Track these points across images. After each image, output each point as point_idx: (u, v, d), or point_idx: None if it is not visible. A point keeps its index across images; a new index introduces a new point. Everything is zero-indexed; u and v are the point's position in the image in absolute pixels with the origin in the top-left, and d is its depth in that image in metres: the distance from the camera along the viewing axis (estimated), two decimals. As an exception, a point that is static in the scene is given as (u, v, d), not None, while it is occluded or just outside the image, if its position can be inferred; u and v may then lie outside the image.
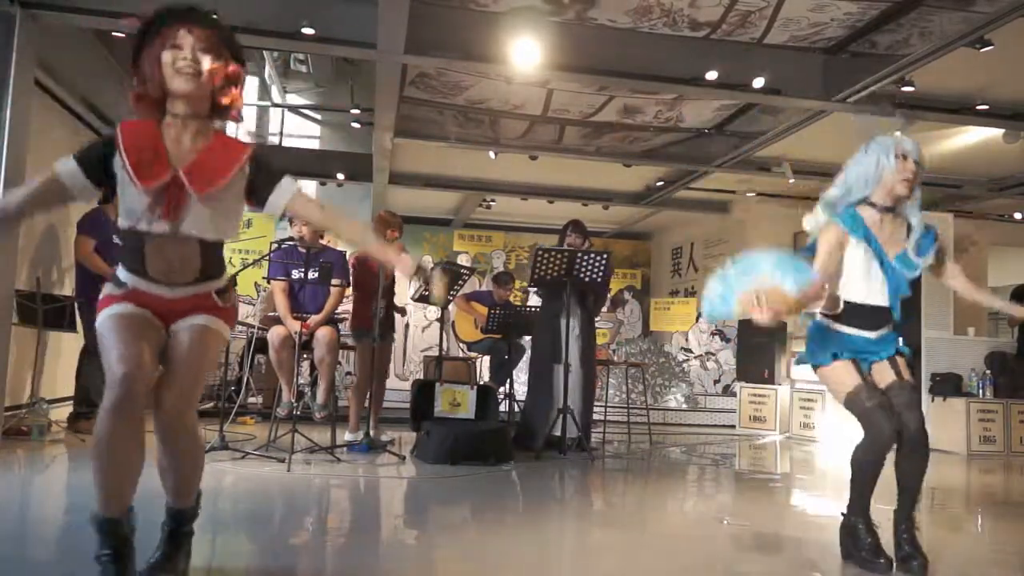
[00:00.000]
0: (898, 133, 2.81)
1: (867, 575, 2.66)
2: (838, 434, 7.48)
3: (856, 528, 2.77)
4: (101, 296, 2.14)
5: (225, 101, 2.12)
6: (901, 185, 2.69)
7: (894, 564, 2.67)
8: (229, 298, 2.22)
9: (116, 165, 2.06)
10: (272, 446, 4.82)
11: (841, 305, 2.83)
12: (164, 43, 2.03)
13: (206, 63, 2.04)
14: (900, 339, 2.89)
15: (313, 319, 4.93)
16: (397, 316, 5.96)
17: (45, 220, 5.96)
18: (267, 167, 2.17)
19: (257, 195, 2.17)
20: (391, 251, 2.30)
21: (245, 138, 10.58)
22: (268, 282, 5.39)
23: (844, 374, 2.75)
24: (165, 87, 2.05)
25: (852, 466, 2.80)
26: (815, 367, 2.88)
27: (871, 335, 2.80)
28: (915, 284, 2.86)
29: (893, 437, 2.65)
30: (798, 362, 2.98)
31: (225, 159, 2.11)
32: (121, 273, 2.13)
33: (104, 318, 2.06)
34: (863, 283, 2.77)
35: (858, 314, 2.79)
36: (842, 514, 2.86)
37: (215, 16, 2.15)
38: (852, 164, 2.79)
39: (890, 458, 2.74)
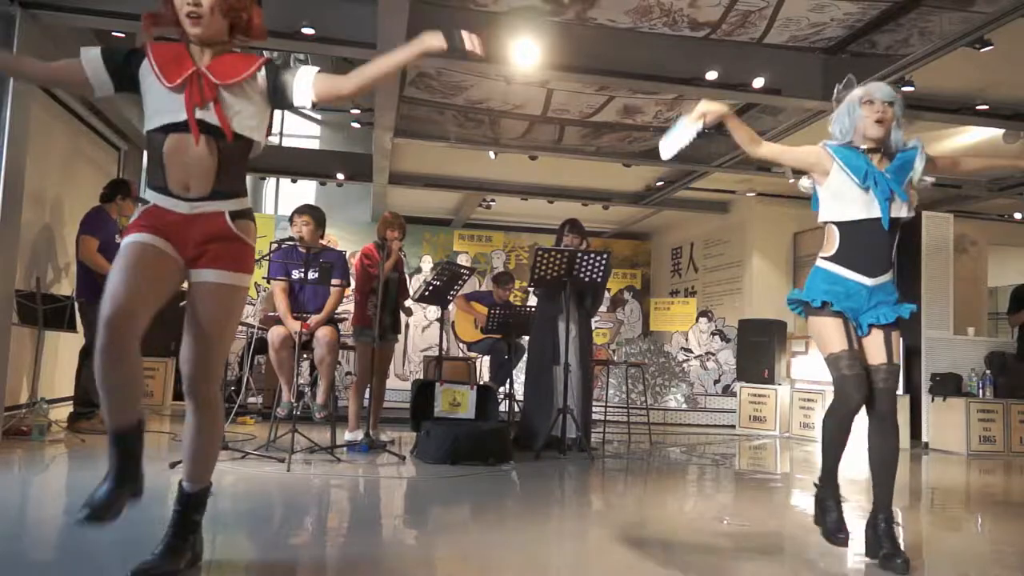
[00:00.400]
0: (866, 84, 2.99)
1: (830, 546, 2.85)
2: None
3: (825, 501, 2.89)
4: (130, 221, 2.28)
5: (239, 23, 2.29)
6: (873, 127, 2.83)
7: (849, 540, 2.81)
8: (246, 227, 2.28)
9: (143, 71, 2.22)
10: (272, 446, 4.82)
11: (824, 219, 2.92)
12: None
13: (206, 1, 2.18)
14: (895, 295, 2.87)
15: (313, 319, 4.93)
16: (403, 316, 5.96)
17: (44, 220, 5.96)
18: (282, 67, 2.31)
19: (280, 92, 2.28)
20: (417, 43, 2.36)
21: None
22: (268, 282, 5.39)
23: (834, 333, 2.79)
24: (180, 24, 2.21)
25: (822, 432, 2.92)
26: (807, 309, 2.88)
27: (868, 281, 2.80)
28: (906, 287, 2.90)
29: (859, 407, 2.75)
30: (789, 300, 2.99)
31: (243, 63, 2.27)
32: (148, 193, 2.28)
33: (122, 245, 2.18)
34: (856, 197, 2.81)
35: (855, 242, 2.82)
36: (815, 484, 3.00)
37: None
38: (832, 122, 3.00)
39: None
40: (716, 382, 9.52)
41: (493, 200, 10.15)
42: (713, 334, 9.66)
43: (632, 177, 9.15)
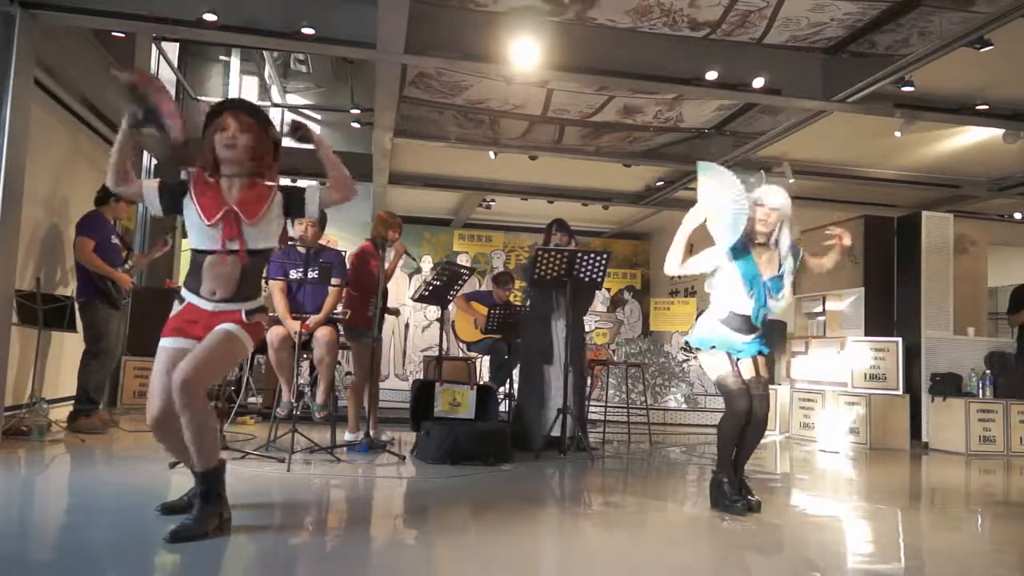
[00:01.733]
0: (761, 186, 3.69)
1: (731, 516, 3.55)
2: (835, 434, 7.49)
3: (722, 482, 3.72)
4: (171, 315, 3.00)
5: (264, 165, 3.00)
6: (759, 224, 3.65)
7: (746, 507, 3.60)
8: (256, 316, 2.96)
9: (186, 201, 2.93)
10: (272, 446, 4.81)
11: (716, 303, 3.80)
12: (215, 129, 2.91)
13: (242, 141, 2.89)
14: (762, 342, 3.80)
15: (312, 319, 4.92)
16: (391, 317, 5.95)
17: (45, 220, 5.96)
18: (292, 189, 3.04)
19: (295, 209, 3.03)
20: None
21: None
22: (267, 282, 5.39)
23: (719, 361, 3.73)
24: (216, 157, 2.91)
25: (718, 433, 3.79)
26: (698, 349, 3.81)
27: (745, 338, 3.73)
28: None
29: (746, 413, 3.64)
30: (686, 340, 4.01)
31: (262, 195, 2.95)
32: (184, 292, 2.98)
33: (160, 346, 2.91)
34: (741, 296, 3.66)
35: (736, 320, 3.71)
36: (712, 471, 3.84)
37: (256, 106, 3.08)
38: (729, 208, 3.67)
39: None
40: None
41: (493, 200, 10.15)
42: (713, 334, 9.65)
43: (632, 177, 9.14)
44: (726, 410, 3.72)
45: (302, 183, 3.08)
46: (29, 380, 5.40)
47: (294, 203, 3.00)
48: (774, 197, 3.66)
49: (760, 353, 3.78)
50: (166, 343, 2.90)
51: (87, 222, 5.51)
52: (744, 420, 3.65)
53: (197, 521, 2.74)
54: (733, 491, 3.68)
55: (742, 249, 3.66)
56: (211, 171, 2.93)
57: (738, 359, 3.74)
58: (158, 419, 2.81)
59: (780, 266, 3.71)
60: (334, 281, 5.02)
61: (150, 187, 2.98)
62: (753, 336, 3.74)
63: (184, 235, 9.11)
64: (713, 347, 3.73)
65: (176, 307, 3.00)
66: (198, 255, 2.91)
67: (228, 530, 2.83)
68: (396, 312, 6.27)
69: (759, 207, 3.64)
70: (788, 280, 3.71)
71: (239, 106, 3.00)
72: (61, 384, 6.11)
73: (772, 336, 3.98)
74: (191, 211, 2.89)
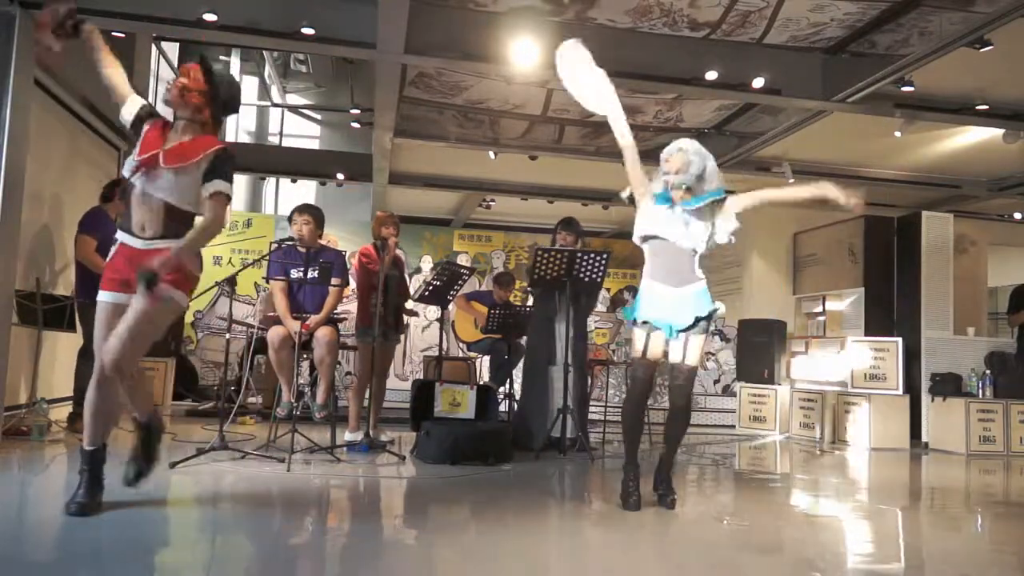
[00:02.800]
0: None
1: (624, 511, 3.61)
2: (837, 434, 7.49)
3: (626, 476, 3.74)
4: (108, 258, 3.10)
5: (206, 116, 3.18)
6: (671, 176, 3.57)
7: (640, 502, 3.64)
8: (189, 261, 2.99)
9: (142, 131, 3.14)
10: (272, 446, 4.81)
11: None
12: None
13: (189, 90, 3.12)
14: (705, 301, 3.63)
15: (313, 319, 4.92)
16: (405, 317, 5.95)
17: (45, 220, 5.96)
18: (222, 164, 3.09)
19: (205, 178, 3.05)
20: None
21: (245, 138, 10.60)
22: (267, 282, 5.38)
23: (637, 340, 3.63)
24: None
25: (622, 420, 3.81)
26: (633, 323, 3.69)
27: (674, 291, 3.59)
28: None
29: (643, 398, 3.71)
30: (626, 315, 3.90)
31: (197, 148, 3.07)
32: (118, 233, 3.10)
33: (98, 304, 3.03)
34: (657, 215, 3.61)
35: (659, 262, 3.65)
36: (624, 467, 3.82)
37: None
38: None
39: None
40: (716, 382, 9.52)
41: (493, 200, 10.15)
42: (713, 334, 9.65)
43: (632, 177, 9.13)
44: (626, 395, 3.80)
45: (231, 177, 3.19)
46: (29, 380, 5.40)
47: (207, 173, 3.05)
48: (672, 145, 3.63)
49: (692, 328, 3.57)
50: (104, 297, 3.02)
51: (89, 220, 5.50)
52: (639, 404, 3.70)
53: (149, 462, 3.18)
54: (635, 486, 3.70)
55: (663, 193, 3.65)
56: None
57: (673, 333, 3.56)
58: (99, 379, 2.97)
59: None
60: (334, 281, 5.02)
61: (135, 100, 3.20)
62: (687, 286, 3.61)
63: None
64: (645, 322, 3.59)
65: (112, 250, 3.11)
66: (130, 188, 3.09)
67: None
68: (415, 313, 6.25)
69: (664, 161, 3.61)
70: (703, 201, 3.59)
71: (200, 63, 3.17)
72: (61, 384, 6.10)
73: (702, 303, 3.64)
74: (140, 137, 3.11)
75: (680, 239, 3.57)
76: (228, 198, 3.07)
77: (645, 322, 3.59)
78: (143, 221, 3.02)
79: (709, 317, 3.61)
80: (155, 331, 3.02)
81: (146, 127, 3.13)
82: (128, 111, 3.17)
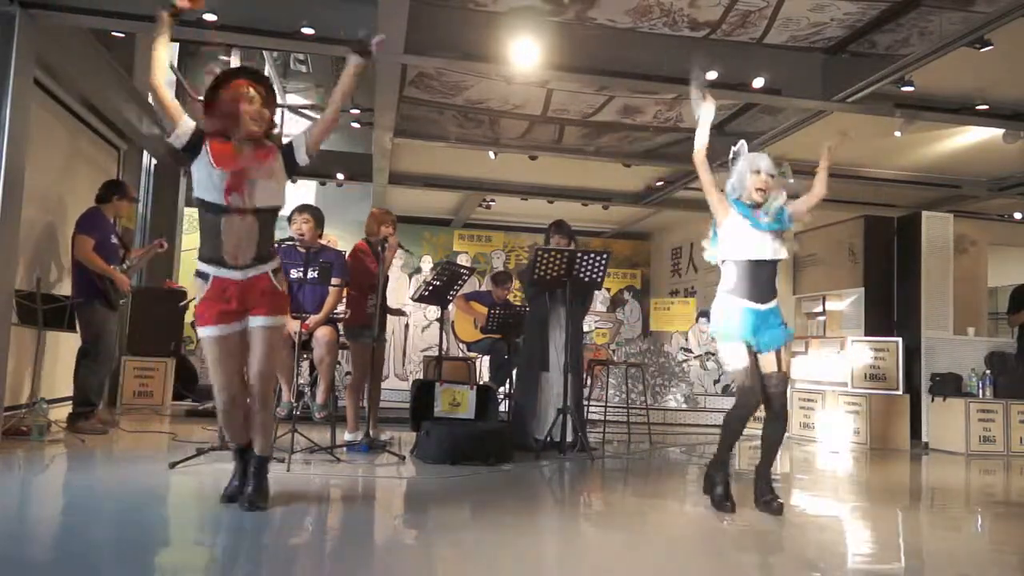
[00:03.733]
0: (746, 151, 3.76)
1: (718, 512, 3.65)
2: (837, 434, 7.49)
3: (714, 477, 3.79)
4: (197, 301, 3.11)
5: (272, 130, 3.25)
6: (756, 193, 3.67)
7: (735, 507, 3.66)
8: (281, 279, 3.20)
9: (202, 152, 3.08)
10: (272, 446, 4.80)
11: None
12: (238, 93, 3.09)
13: (266, 113, 3.15)
14: (782, 324, 3.72)
15: (312, 319, 4.92)
16: (395, 318, 5.94)
17: (44, 220, 5.96)
18: (286, 146, 3.24)
19: (292, 165, 3.21)
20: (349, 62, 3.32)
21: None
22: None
23: (737, 359, 3.66)
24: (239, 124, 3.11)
25: (723, 427, 3.81)
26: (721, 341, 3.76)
27: (759, 307, 3.64)
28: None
29: (752, 412, 3.68)
30: (712, 332, 3.90)
31: (270, 152, 3.19)
32: (200, 265, 3.10)
33: (204, 340, 3.10)
34: (747, 234, 3.67)
35: (746, 282, 3.66)
36: (706, 465, 3.94)
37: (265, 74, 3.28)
38: (732, 174, 3.78)
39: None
40: (716, 382, 9.52)
41: (493, 200, 10.15)
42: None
43: (632, 177, 9.14)
44: (734, 405, 3.75)
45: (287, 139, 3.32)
46: (29, 380, 5.40)
47: (288, 157, 3.20)
48: (766, 161, 3.72)
49: (782, 345, 3.70)
50: (211, 332, 3.05)
51: (87, 220, 5.50)
52: (750, 416, 3.68)
53: (260, 492, 3.20)
54: (725, 490, 3.76)
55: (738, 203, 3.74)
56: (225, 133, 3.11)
57: (758, 352, 3.67)
58: (227, 410, 3.16)
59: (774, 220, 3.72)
60: (334, 281, 5.01)
61: (188, 121, 3.11)
62: (771, 303, 3.68)
63: (173, 235, 9.09)
64: (734, 341, 3.68)
65: (200, 288, 3.09)
66: (209, 215, 3.05)
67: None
68: (400, 312, 6.24)
69: (755, 174, 3.67)
70: (782, 208, 3.71)
71: (258, 78, 3.20)
72: (61, 384, 6.10)
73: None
74: (203, 159, 3.05)
75: (774, 254, 3.67)
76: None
77: (745, 341, 3.65)
78: (238, 246, 3.05)
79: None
80: (279, 352, 3.41)
81: (210, 143, 3.08)
82: (184, 131, 3.09)
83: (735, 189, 3.75)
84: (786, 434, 3.83)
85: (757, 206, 3.68)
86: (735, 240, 3.70)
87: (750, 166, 3.69)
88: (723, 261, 3.79)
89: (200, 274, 3.09)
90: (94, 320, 5.44)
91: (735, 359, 3.67)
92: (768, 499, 3.69)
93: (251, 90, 3.10)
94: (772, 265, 3.68)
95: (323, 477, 4.19)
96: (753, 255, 3.65)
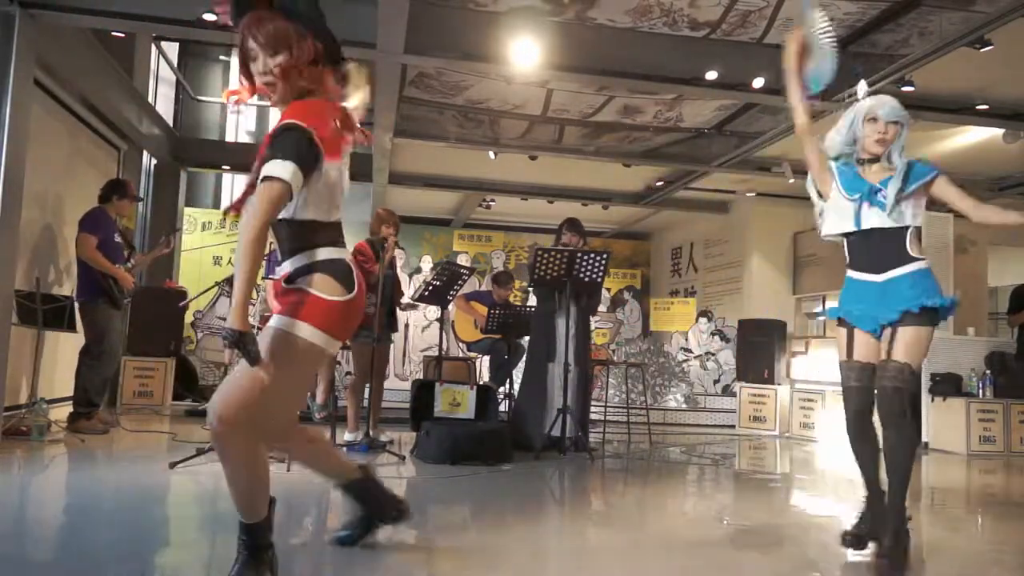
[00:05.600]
0: (868, 99, 3.06)
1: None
2: (837, 434, 7.49)
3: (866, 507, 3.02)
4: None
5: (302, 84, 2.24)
6: (874, 145, 2.98)
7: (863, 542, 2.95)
8: (310, 281, 2.18)
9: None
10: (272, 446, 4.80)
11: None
12: (244, 54, 2.22)
13: (272, 64, 2.18)
14: (916, 294, 2.83)
15: None
16: (404, 314, 5.94)
17: (44, 220, 5.96)
18: (272, 142, 2.11)
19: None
20: None
21: (245, 138, 10.59)
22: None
23: (839, 341, 3.01)
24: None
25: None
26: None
27: (877, 278, 2.91)
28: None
29: (857, 417, 2.93)
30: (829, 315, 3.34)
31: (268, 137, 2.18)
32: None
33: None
34: (844, 208, 3.00)
35: (854, 252, 3.01)
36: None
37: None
38: (835, 129, 3.09)
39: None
40: (716, 382, 9.52)
41: (493, 200, 10.15)
42: (713, 334, 9.66)
43: (632, 177, 9.14)
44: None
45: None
46: (29, 380, 5.40)
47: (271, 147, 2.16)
48: (888, 107, 2.97)
49: (899, 322, 2.82)
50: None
51: (90, 219, 5.50)
52: (855, 423, 2.95)
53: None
54: (861, 522, 2.99)
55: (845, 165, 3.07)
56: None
57: (880, 329, 2.88)
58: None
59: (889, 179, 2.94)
60: None
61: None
62: (891, 272, 2.89)
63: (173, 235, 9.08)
64: (839, 318, 2.99)
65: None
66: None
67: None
68: (413, 306, 6.22)
69: (871, 122, 2.96)
70: (892, 188, 2.88)
71: (256, 18, 2.23)
72: (61, 384, 6.10)
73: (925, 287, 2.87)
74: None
75: (884, 222, 2.89)
76: (275, 180, 2.03)
77: (841, 318, 3.00)
78: (278, 240, 2.35)
79: (935, 307, 2.83)
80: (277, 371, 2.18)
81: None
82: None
83: (844, 147, 3.06)
84: (916, 449, 2.91)
85: (874, 160, 2.99)
86: (835, 213, 3.04)
87: (865, 113, 2.98)
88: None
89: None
90: (98, 319, 5.43)
91: (839, 346, 3.00)
92: (888, 546, 2.78)
93: (247, 41, 2.21)
94: (891, 232, 2.90)
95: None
96: (860, 226, 2.93)
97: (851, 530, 3.00)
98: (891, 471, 2.83)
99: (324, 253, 2.23)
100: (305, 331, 2.12)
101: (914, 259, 2.89)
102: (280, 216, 2.15)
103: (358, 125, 2.35)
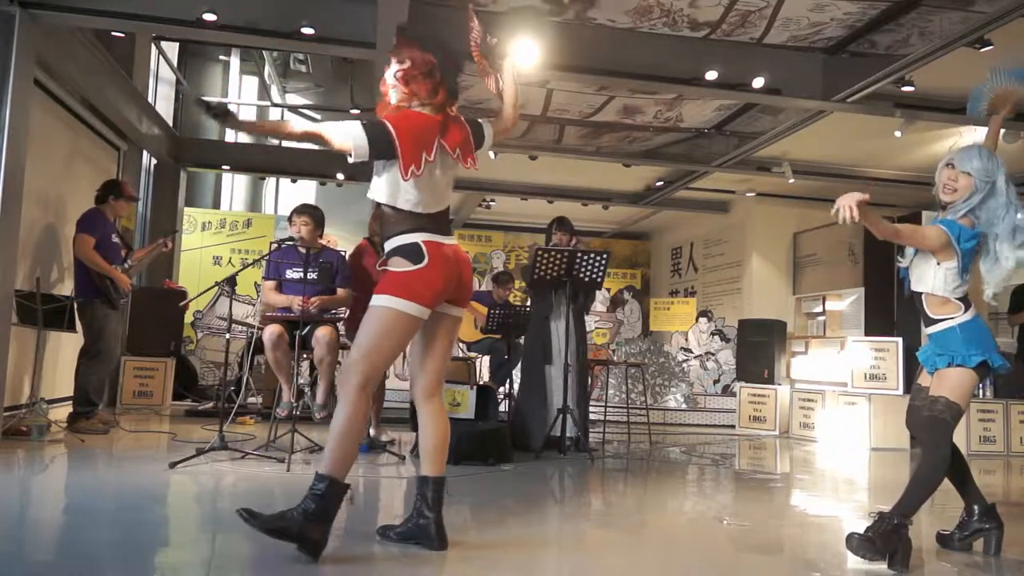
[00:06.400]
0: (961, 140, 3.04)
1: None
2: (837, 434, 7.49)
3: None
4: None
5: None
6: (944, 192, 2.99)
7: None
8: (388, 261, 2.80)
9: None
10: (272, 446, 4.81)
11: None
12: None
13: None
14: (941, 351, 3.04)
15: (316, 297, 4.91)
16: None
17: (44, 220, 5.96)
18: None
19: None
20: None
21: (244, 138, 10.59)
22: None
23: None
24: None
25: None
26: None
27: (927, 330, 3.08)
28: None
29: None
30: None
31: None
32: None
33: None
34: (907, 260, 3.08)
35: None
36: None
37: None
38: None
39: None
40: (716, 382, 9.52)
41: (493, 200, 10.16)
42: (713, 334, 9.66)
43: (632, 177, 9.15)
44: None
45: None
46: (29, 380, 5.40)
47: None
48: (962, 155, 2.95)
49: (937, 367, 3.07)
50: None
51: (87, 219, 5.50)
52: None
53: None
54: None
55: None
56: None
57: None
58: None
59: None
60: (340, 292, 5.08)
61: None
62: (933, 327, 3.04)
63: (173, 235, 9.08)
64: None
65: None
66: None
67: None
68: None
69: (946, 168, 2.97)
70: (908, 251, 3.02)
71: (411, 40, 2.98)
72: (61, 384, 6.10)
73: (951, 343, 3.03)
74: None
75: (914, 285, 3.06)
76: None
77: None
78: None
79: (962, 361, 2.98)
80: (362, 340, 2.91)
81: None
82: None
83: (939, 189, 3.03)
84: (934, 473, 3.10)
85: (944, 207, 3.01)
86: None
87: (949, 157, 2.98)
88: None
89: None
90: (95, 319, 5.44)
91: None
92: (868, 534, 2.81)
93: (402, 52, 3.04)
94: (919, 295, 3.05)
95: (323, 477, 4.18)
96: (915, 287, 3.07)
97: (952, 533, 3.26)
98: (910, 485, 3.03)
99: (399, 240, 2.84)
100: (383, 300, 2.73)
101: (934, 320, 3.03)
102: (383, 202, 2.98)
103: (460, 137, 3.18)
